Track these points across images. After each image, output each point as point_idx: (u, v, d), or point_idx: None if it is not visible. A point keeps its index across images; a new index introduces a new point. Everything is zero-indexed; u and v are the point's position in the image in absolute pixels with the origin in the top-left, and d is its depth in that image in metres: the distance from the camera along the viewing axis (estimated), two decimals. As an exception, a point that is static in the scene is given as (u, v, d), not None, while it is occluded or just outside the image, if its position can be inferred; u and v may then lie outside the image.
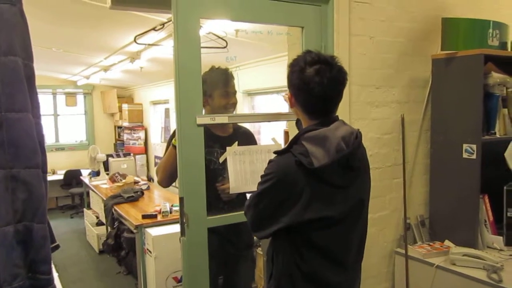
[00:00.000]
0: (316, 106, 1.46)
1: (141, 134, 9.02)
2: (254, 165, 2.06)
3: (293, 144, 1.43)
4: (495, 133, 2.41)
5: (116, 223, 5.33)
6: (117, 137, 9.73)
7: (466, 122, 2.36)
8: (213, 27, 2.21)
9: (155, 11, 2.00)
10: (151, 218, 4.47)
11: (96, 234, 6.09)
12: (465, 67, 2.35)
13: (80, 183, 7.81)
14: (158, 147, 8.52)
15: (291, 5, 2.10)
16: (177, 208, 4.59)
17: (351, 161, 1.44)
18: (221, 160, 2.05)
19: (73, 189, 8.44)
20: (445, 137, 2.48)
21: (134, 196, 5.42)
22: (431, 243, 2.52)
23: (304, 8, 2.14)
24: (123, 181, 6.29)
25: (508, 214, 2.44)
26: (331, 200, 1.42)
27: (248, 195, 2.63)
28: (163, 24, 2.04)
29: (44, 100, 8.88)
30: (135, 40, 2.24)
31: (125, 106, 9.00)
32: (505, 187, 2.43)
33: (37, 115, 0.97)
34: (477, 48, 2.35)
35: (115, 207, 5.14)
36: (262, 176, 1.47)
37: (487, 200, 2.42)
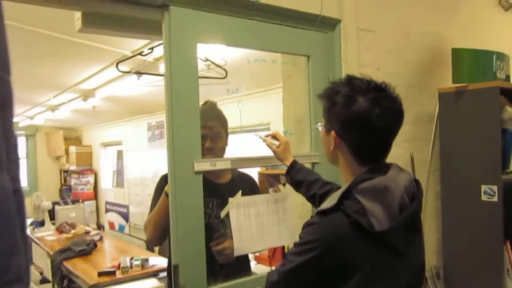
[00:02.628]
0: (374, 146, 1.14)
1: (90, 179, 8.35)
2: (261, 218, 1.70)
3: (343, 199, 1.08)
4: (510, 172, 2.21)
5: (65, 282, 4.68)
6: (63, 182, 8.96)
7: (483, 161, 2.14)
8: (207, 53, 1.88)
9: (136, 35, 1.66)
10: (108, 276, 3.92)
11: (40, 295, 5.34)
12: (478, 101, 2.16)
13: (21, 235, 6.95)
14: (109, 192, 7.89)
15: (296, 31, 1.83)
16: (139, 262, 4.09)
17: (416, 219, 1.12)
18: (222, 214, 1.66)
19: (12, 242, 7.54)
20: (458, 177, 2.24)
21: (87, 249, 4.83)
22: (448, 298, 2.24)
23: (310, 35, 1.88)
24: (73, 231, 5.65)
25: (529, 260, 2.22)
26: (395, 273, 1.09)
27: (250, 255, 2.29)
28: (151, 48, 1.69)
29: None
30: (117, 67, 1.85)
31: (72, 149, 8.34)
32: (524, 231, 2.21)
33: (15, 176, 0.53)
34: (486, 80, 2.18)
35: (65, 263, 4.52)
36: (298, 244, 1.09)
37: (509, 247, 2.18)
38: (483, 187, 2.13)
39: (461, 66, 2.21)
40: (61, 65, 3.89)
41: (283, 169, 1.72)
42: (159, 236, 1.80)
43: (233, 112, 1.79)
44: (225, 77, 1.87)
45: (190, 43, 1.52)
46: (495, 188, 2.09)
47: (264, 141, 1.72)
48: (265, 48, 1.74)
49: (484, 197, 2.13)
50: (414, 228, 1.12)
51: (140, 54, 1.76)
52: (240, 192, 1.66)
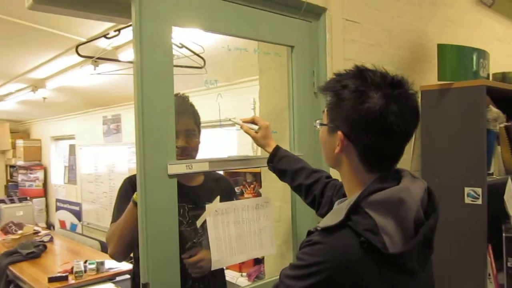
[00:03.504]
0: (388, 150, 0.98)
1: (39, 174, 7.86)
2: (240, 227, 1.51)
3: (351, 213, 0.91)
4: (492, 174, 2.15)
5: (12, 287, 4.31)
6: (9, 178, 8.38)
7: (467, 162, 2.05)
8: (182, 40, 1.66)
9: (97, 16, 1.42)
10: (60, 281, 3.63)
11: (-18, 302, 4.90)
12: (463, 100, 2.07)
13: (-39, 236, 6.42)
14: (60, 189, 7.45)
15: (280, 18, 1.64)
16: (93, 266, 3.81)
17: (431, 235, 0.98)
18: (198, 223, 1.47)
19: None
20: (441, 179, 2.15)
21: (36, 252, 4.50)
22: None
23: (294, 24, 1.70)
24: (20, 232, 5.23)
25: (509, 264, 2.16)
26: None
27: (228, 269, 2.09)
28: (118, 30, 1.46)
29: None
30: (76, 51, 1.60)
31: (19, 142, 7.82)
32: (504, 234, 2.16)
33: None
34: (471, 79, 2.10)
35: (11, 268, 4.16)
36: (297, 267, 0.91)
37: (491, 251, 2.12)
38: (467, 190, 2.05)
39: (448, 63, 2.11)
40: (7, 51, 3.52)
41: (250, 168, 1.54)
42: (124, 251, 1.56)
43: (210, 105, 1.59)
44: (203, 67, 1.66)
45: (164, 25, 1.31)
46: (479, 190, 2.01)
47: (241, 126, 1.54)
48: (247, 36, 1.55)
49: (467, 200, 2.05)
50: (429, 246, 0.98)
51: (105, 36, 1.52)
52: (218, 197, 1.47)
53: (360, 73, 0.99)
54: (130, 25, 1.25)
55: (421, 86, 2.21)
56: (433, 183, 2.18)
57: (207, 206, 1.44)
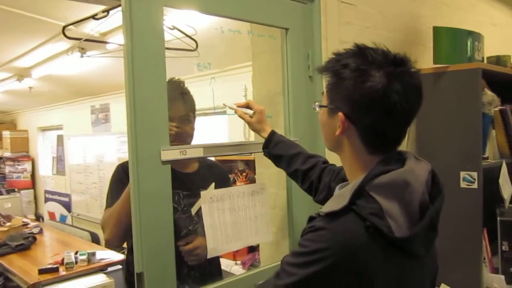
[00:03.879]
0: (391, 131, 0.95)
1: (27, 166, 7.74)
2: (236, 214, 1.48)
3: (355, 197, 0.87)
4: (487, 158, 2.13)
5: (1, 280, 4.25)
6: (-5, 170, 8.24)
7: (463, 146, 2.03)
8: (173, 21, 1.61)
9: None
10: (51, 273, 3.59)
11: (-29, 295, 4.83)
12: (458, 83, 2.05)
13: None
14: (49, 180, 7.35)
15: (273, -2, 1.60)
16: (84, 257, 3.76)
17: (436, 219, 0.95)
18: (193, 211, 1.43)
19: None
20: (436, 163, 2.10)
21: (25, 244, 4.44)
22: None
23: (288, 6, 1.66)
24: (8, 224, 5.15)
25: (503, 247, 2.17)
26: (416, 281, 0.92)
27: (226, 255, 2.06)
28: (107, 10, 1.39)
29: None
30: (63, 33, 1.53)
31: (6, 133, 7.68)
32: (498, 218, 2.15)
33: None
34: (467, 62, 2.08)
35: (0, 260, 4.09)
36: (299, 254, 0.87)
37: (486, 235, 2.11)
38: (462, 174, 2.03)
39: (444, 46, 2.08)
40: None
41: (242, 155, 1.50)
42: (121, 235, 1.50)
43: (201, 92, 1.54)
44: (195, 49, 1.61)
45: (155, 5, 1.25)
46: (475, 174, 1.99)
47: (235, 111, 1.49)
48: (241, 17, 1.50)
49: (463, 184, 2.03)
50: (433, 229, 0.95)
51: (93, 17, 1.46)
52: (213, 184, 1.43)
53: (360, 51, 0.95)
54: (119, 6, 1.19)
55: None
56: (428, 167, 2.16)
57: (202, 193, 1.40)
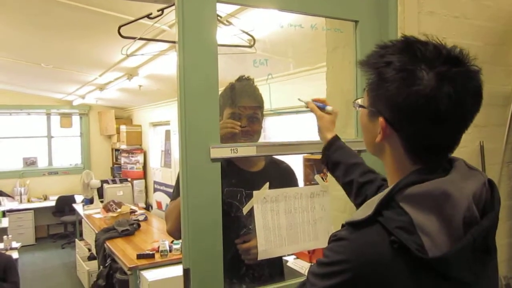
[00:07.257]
0: (439, 140, 0.82)
1: (140, 158, 8.40)
2: (292, 216, 1.42)
3: (382, 207, 0.78)
4: None
5: (108, 261, 4.68)
6: (114, 160, 9.11)
7: None
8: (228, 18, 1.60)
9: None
10: (147, 258, 3.85)
11: (86, 271, 5.42)
12: None
13: (73, 210, 7.12)
14: (157, 172, 7.90)
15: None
16: (178, 246, 3.96)
17: (490, 239, 0.81)
18: (244, 211, 1.41)
19: (65, 216, 7.79)
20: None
21: (130, 230, 4.81)
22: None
23: (358, -5, 1.55)
24: (118, 210, 5.66)
25: None
26: None
27: (286, 258, 2.02)
28: (161, 9, 1.43)
29: (38, 121, 8.32)
30: (119, 32, 1.63)
31: (123, 128, 8.42)
32: None
33: None
34: None
35: (107, 243, 4.51)
36: (322, 264, 0.80)
37: None
38: None
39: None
40: (101, 41, 3.77)
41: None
42: (180, 229, 1.56)
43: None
44: (252, 46, 1.58)
45: (208, 1, 1.25)
46: None
47: (307, 104, 1.39)
48: (304, 10, 1.43)
49: None
50: (486, 251, 0.80)
51: (148, 16, 1.51)
52: (267, 184, 1.39)
53: (408, 46, 0.82)
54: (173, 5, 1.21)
55: (518, 63, 1.90)
56: (530, 176, 1.88)
57: (255, 192, 1.37)
